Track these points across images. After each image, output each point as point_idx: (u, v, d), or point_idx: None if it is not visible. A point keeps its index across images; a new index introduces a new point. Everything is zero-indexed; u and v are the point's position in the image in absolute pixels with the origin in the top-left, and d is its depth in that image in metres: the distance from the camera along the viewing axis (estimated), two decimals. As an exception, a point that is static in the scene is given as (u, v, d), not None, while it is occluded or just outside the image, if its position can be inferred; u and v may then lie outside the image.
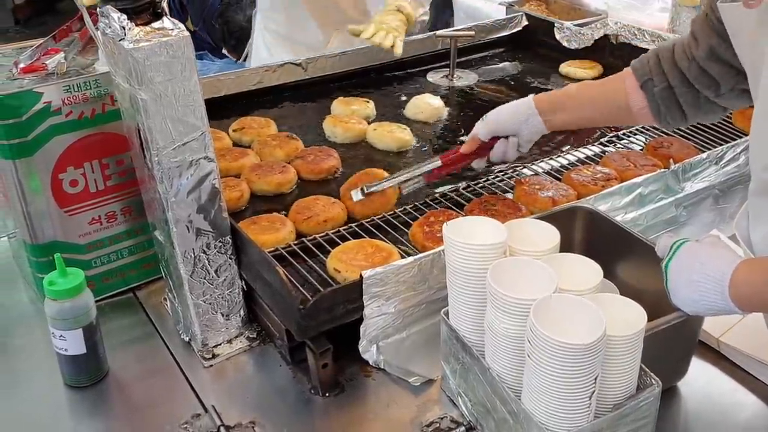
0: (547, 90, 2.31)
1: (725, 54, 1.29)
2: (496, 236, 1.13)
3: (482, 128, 1.57)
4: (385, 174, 1.67)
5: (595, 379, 0.97)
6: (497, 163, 1.63)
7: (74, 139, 1.36)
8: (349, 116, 2.07)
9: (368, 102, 2.14)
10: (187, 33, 1.15)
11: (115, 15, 1.14)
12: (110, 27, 1.15)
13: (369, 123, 2.07)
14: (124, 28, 1.13)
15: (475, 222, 1.19)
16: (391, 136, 1.95)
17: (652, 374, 1.05)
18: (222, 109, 2.08)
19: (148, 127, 1.17)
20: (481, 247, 1.10)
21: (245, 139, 1.94)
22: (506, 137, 1.56)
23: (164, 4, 1.17)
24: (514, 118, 1.54)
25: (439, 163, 1.61)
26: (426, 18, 2.38)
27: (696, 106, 1.41)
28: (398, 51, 2.19)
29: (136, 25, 1.14)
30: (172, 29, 1.15)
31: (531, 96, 1.55)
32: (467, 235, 1.13)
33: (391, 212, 1.61)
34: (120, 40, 1.13)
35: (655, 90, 1.42)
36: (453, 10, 4.02)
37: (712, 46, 1.31)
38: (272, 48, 2.56)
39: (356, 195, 1.60)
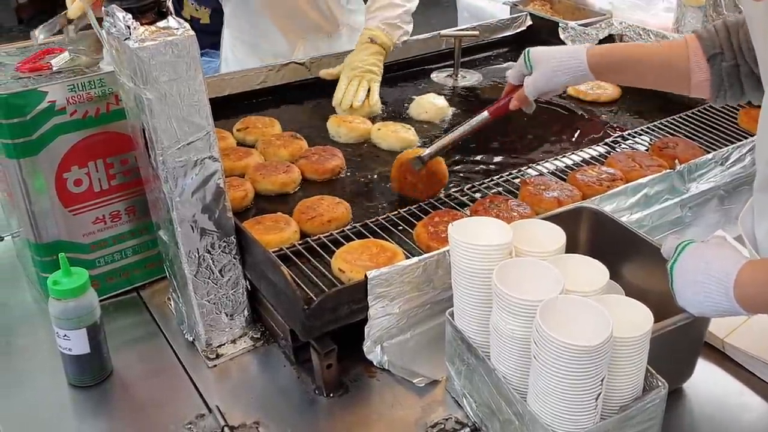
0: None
1: None
2: (501, 237, 1.13)
3: (532, 88, 1.53)
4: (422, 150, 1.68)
5: (602, 380, 0.96)
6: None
7: (78, 138, 1.36)
8: (353, 116, 2.07)
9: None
10: (192, 32, 1.15)
11: (120, 14, 1.13)
12: (115, 26, 1.15)
13: (374, 118, 2.08)
14: (129, 27, 1.13)
15: (480, 222, 1.19)
16: (396, 135, 1.95)
17: (658, 376, 1.05)
18: (225, 109, 2.08)
19: (153, 127, 1.17)
20: (487, 248, 1.10)
21: (249, 139, 1.94)
22: None
23: (169, 3, 1.17)
24: (565, 77, 1.50)
25: (486, 115, 1.63)
26: (407, 37, 2.26)
27: (757, 89, 1.35)
28: (374, 100, 2.10)
29: (141, 24, 1.14)
30: (177, 29, 1.14)
31: (583, 48, 1.48)
32: (473, 236, 1.12)
33: (395, 212, 1.61)
34: (125, 40, 1.13)
35: (723, 65, 1.36)
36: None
37: None
38: (239, 55, 2.50)
39: (417, 165, 1.63)
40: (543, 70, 1.51)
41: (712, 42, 1.38)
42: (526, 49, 1.54)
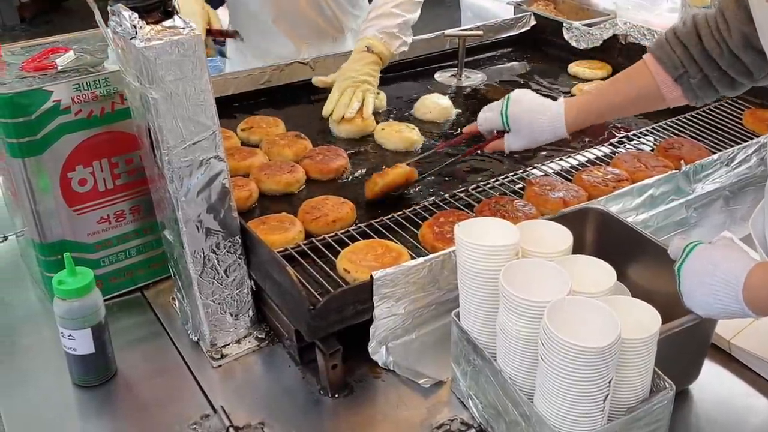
0: (554, 89, 2.32)
1: (758, 43, 1.27)
2: (508, 237, 1.13)
3: (513, 148, 1.60)
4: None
5: (609, 382, 0.96)
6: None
7: (83, 137, 1.36)
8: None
9: (379, 92, 2.14)
10: (198, 31, 1.14)
11: (126, 13, 1.13)
12: (121, 25, 1.15)
13: (380, 114, 2.09)
14: (135, 26, 1.12)
15: (487, 223, 1.18)
16: (399, 135, 1.94)
17: (665, 377, 1.04)
18: (229, 108, 2.08)
19: (159, 126, 1.16)
20: (494, 249, 1.09)
21: (253, 139, 1.94)
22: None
23: (175, 3, 1.16)
24: (544, 139, 1.57)
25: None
26: (405, 49, 2.19)
27: (732, 88, 1.43)
28: (368, 113, 2.00)
29: (147, 23, 1.14)
30: (183, 28, 1.14)
31: (561, 109, 1.53)
32: (479, 236, 1.12)
33: (400, 213, 1.61)
34: (131, 39, 1.13)
35: (692, 81, 1.41)
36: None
37: (745, 33, 1.29)
38: (243, 59, 2.46)
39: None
40: (523, 134, 1.57)
41: (672, 63, 1.42)
42: (505, 100, 1.58)
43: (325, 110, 2.03)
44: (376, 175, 1.67)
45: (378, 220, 1.58)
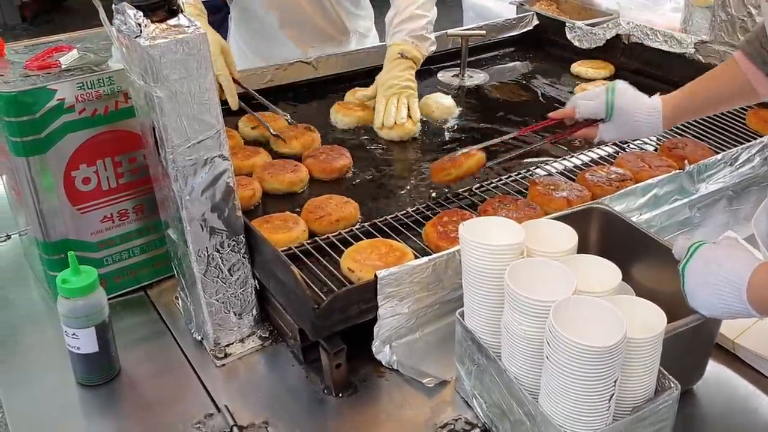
0: (556, 89, 2.32)
1: None
2: (513, 237, 1.12)
3: (608, 138, 1.65)
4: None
5: (615, 381, 0.96)
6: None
7: (87, 136, 1.35)
8: (353, 103, 2.10)
9: None
10: (203, 30, 1.14)
11: (131, 12, 1.13)
12: (126, 24, 1.15)
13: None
14: (139, 25, 1.12)
15: (491, 222, 1.18)
16: (398, 127, 1.96)
17: (670, 377, 1.04)
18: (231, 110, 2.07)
19: (164, 125, 1.16)
20: (499, 248, 1.09)
21: (254, 134, 1.95)
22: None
23: (180, 1, 1.16)
24: (639, 134, 1.66)
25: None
26: (434, 48, 2.19)
27: None
28: (416, 118, 2.00)
29: (152, 22, 1.13)
30: (188, 26, 1.14)
31: (659, 105, 1.58)
32: (484, 236, 1.12)
33: (404, 212, 1.61)
34: (136, 37, 1.13)
35: None
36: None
37: None
38: (246, 63, 2.44)
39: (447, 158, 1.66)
40: (620, 125, 1.61)
41: (762, 58, 1.50)
42: (610, 90, 1.60)
43: (377, 122, 2.00)
44: (449, 162, 1.65)
45: (381, 219, 1.58)
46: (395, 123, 1.96)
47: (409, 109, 2.01)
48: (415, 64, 2.10)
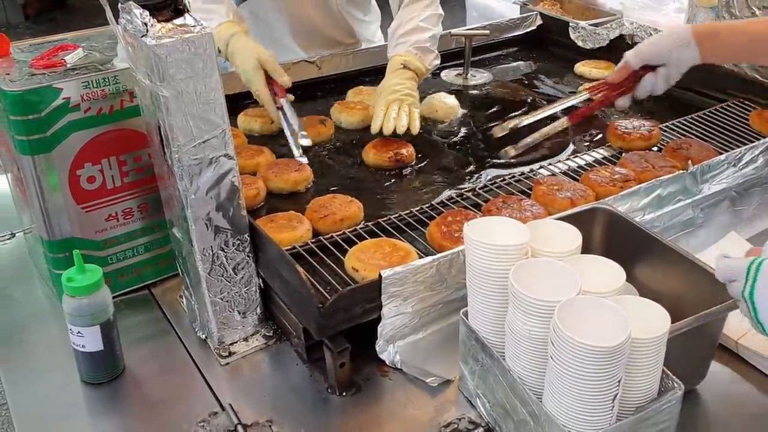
0: (559, 89, 2.32)
1: None
2: (518, 237, 1.13)
3: (634, 55, 1.55)
4: None
5: (619, 381, 0.96)
6: (643, 98, 1.63)
7: (92, 135, 1.36)
8: (354, 102, 2.10)
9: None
10: (209, 30, 1.15)
11: (137, 11, 1.13)
12: (132, 23, 1.15)
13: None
14: (146, 24, 1.12)
15: (496, 222, 1.18)
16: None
17: (674, 377, 1.04)
18: (235, 107, 2.07)
19: (169, 125, 1.17)
20: (504, 248, 1.09)
21: (256, 128, 1.98)
22: (655, 68, 1.55)
23: (186, 1, 1.16)
24: (669, 44, 1.52)
25: (585, 95, 1.64)
26: (438, 63, 2.14)
27: None
28: (416, 128, 1.90)
29: (158, 21, 1.14)
30: (194, 26, 1.14)
31: (690, 24, 1.53)
32: (488, 236, 1.12)
33: (407, 211, 1.61)
34: (142, 37, 1.13)
35: None
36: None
37: None
38: None
39: (501, 131, 1.67)
40: (646, 41, 1.56)
41: None
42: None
43: (374, 127, 1.90)
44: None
45: (385, 218, 1.58)
46: (395, 131, 1.88)
47: (410, 119, 1.92)
48: (417, 76, 2.04)
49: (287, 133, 1.75)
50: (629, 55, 1.56)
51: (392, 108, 1.92)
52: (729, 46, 1.52)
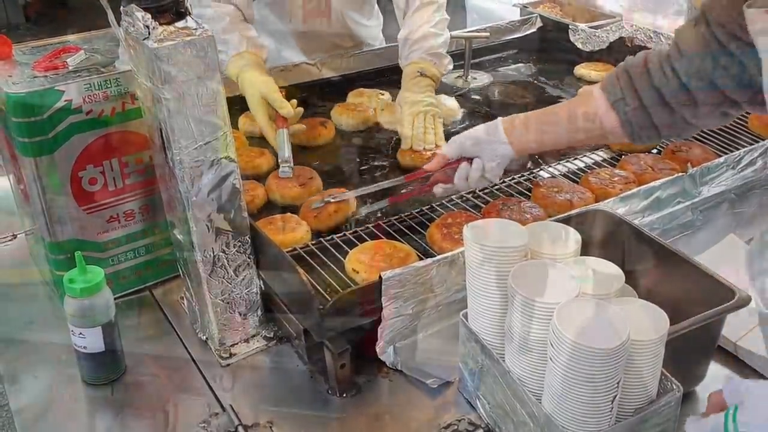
0: (559, 90, 2.33)
1: (713, 74, 1.25)
2: (518, 239, 1.13)
3: (448, 145, 1.54)
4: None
5: (618, 383, 0.97)
6: (462, 189, 1.58)
7: (94, 137, 1.36)
8: (356, 103, 2.11)
9: (383, 93, 2.17)
10: (210, 33, 1.15)
11: (139, 14, 1.14)
12: (134, 26, 1.16)
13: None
14: (147, 27, 1.13)
15: (495, 224, 1.19)
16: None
17: (673, 379, 1.05)
18: (236, 110, 2.08)
19: (171, 127, 1.17)
20: (503, 250, 1.10)
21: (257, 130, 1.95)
22: (470, 160, 1.51)
23: (188, 4, 1.17)
24: (479, 137, 1.50)
25: (402, 179, 1.62)
26: (451, 67, 2.14)
27: (670, 126, 1.37)
28: (442, 140, 1.90)
29: (160, 24, 1.14)
30: (195, 29, 1.15)
31: (499, 118, 1.50)
32: (488, 238, 1.12)
33: (408, 213, 1.61)
34: (144, 39, 1.14)
35: (627, 110, 1.36)
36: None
37: (701, 61, 1.26)
38: None
39: (317, 204, 1.59)
40: (463, 133, 1.53)
41: (614, 89, 1.38)
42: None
43: (405, 143, 1.91)
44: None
45: (386, 220, 1.59)
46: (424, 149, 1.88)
47: (435, 132, 1.94)
48: (434, 83, 2.04)
49: (279, 159, 1.75)
50: (445, 145, 1.55)
51: (418, 120, 1.92)
52: (537, 139, 1.48)
